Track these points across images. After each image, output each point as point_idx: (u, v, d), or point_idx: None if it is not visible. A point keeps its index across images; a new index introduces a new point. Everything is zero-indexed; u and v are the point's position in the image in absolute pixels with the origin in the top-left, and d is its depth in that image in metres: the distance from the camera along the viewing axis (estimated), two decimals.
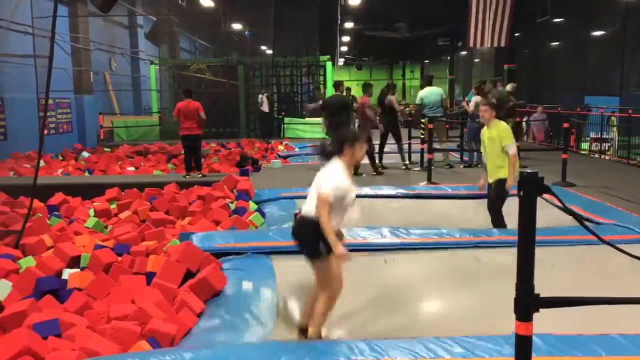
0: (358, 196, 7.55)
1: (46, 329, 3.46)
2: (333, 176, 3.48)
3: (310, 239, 3.48)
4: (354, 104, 10.21)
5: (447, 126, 11.98)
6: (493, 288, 4.15)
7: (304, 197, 4.51)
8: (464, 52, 29.52)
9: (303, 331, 3.74)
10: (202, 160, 10.29)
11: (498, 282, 4.17)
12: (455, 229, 5.64)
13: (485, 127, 5.94)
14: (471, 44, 14.92)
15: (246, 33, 26.91)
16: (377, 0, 19.78)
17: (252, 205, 7.29)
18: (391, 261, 5.01)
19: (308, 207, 3.55)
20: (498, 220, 5.89)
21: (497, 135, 5.71)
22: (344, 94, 10.58)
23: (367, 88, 10.22)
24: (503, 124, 5.87)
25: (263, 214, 6.85)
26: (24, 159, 12.31)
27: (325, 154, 3.66)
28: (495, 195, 5.84)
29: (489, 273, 4.60)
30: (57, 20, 5.73)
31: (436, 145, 10.25)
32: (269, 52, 27.33)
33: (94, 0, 9.09)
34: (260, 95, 17.31)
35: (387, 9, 22.56)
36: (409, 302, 4.02)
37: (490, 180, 5.86)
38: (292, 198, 7.42)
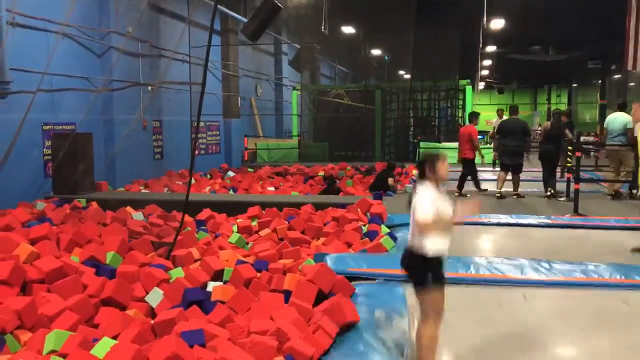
0: (499, 224, 7.38)
1: (192, 337, 3.69)
2: (421, 200, 3.45)
3: (418, 271, 3.50)
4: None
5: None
6: None
7: None
8: (617, 76, 27.45)
9: None
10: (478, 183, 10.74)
11: None
12: (603, 266, 5.21)
13: None
14: (629, 67, 13.76)
15: (385, 58, 27.19)
16: (521, 22, 19.05)
17: (384, 229, 7.29)
18: (531, 297, 4.75)
19: (411, 240, 3.55)
20: None
21: None
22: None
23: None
24: None
25: (395, 238, 6.81)
26: (177, 177, 13.38)
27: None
28: None
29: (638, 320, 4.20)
30: (211, 49, 6.19)
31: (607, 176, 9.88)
32: (407, 76, 27.41)
33: (244, 30, 9.73)
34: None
35: (532, 31, 21.65)
36: (545, 344, 3.77)
37: None
38: None
